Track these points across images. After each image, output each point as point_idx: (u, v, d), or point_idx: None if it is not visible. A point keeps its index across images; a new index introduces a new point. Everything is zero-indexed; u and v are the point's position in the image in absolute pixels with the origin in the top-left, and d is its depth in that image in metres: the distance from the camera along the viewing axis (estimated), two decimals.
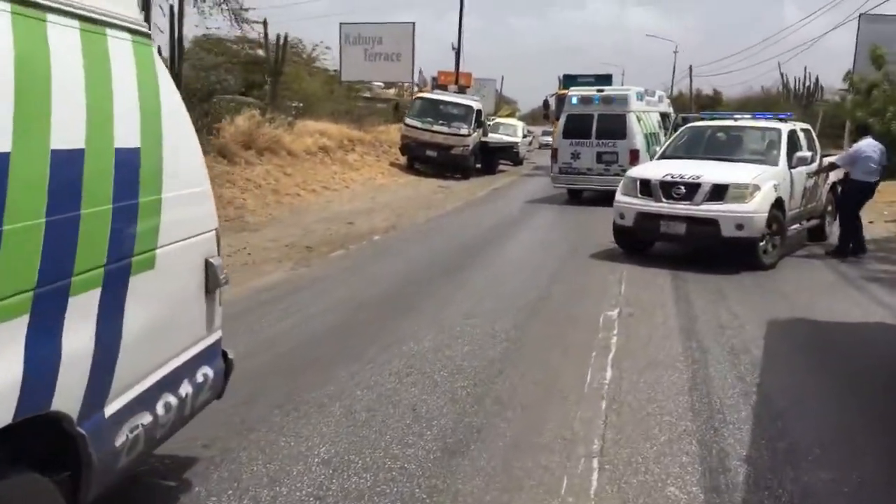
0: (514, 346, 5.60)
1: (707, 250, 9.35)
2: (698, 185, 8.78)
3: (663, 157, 10.39)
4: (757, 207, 8.57)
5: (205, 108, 13.97)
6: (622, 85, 17.96)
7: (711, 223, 8.64)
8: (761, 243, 8.74)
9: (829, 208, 11.29)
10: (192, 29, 19.44)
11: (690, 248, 9.62)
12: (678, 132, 11.22)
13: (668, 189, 8.98)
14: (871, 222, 13.39)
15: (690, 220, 8.76)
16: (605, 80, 27.99)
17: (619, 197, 9.55)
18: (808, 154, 9.54)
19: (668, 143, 11.01)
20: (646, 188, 9.20)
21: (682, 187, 8.87)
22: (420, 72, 42.35)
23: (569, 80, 27.56)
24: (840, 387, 4.92)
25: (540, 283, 7.85)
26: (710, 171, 8.99)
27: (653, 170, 9.52)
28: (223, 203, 11.39)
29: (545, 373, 5.03)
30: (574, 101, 16.29)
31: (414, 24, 31.99)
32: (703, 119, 11.35)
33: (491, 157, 24.46)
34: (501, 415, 4.27)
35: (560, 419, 4.22)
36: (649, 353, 5.48)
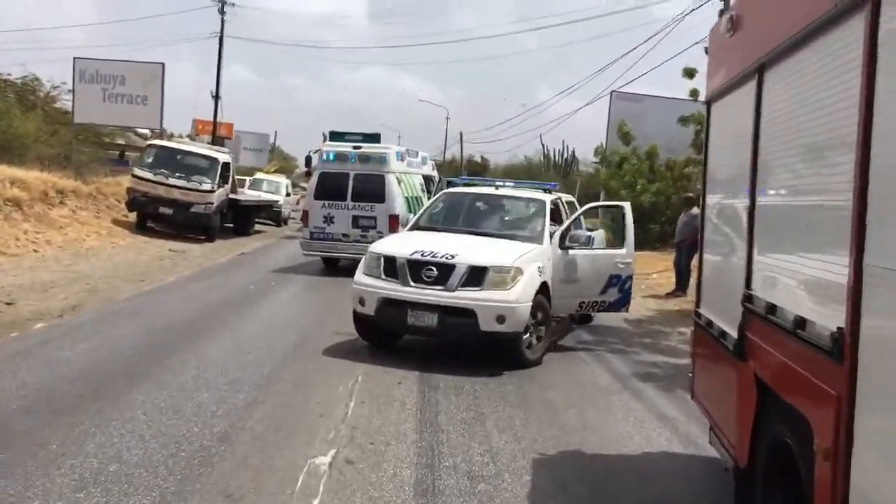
0: None
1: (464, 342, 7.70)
2: (453, 267, 7.12)
3: (416, 227, 8.69)
4: (520, 295, 7.07)
5: None
6: (398, 146, 16.55)
7: (468, 314, 6.98)
8: (525, 336, 7.25)
9: None
10: None
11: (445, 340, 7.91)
12: (433, 198, 9.69)
13: (417, 270, 7.22)
14: None
15: (444, 309, 7.04)
16: (374, 138, 26.72)
17: (358, 277, 7.62)
18: (585, 234, 8.36)
19: (422, 211, 9.37)
20: (391, 268, 7.36)
21: (434, 268, 7.16)
22: (194, 122, 38.50)
23: (335, 137, 25.84)
24: None
25: (236, 405, 5.55)
26: (466, 250, 7.40)
27: (400, 245, 7.73)
28: None
29: None
30: (328, 157, 14.39)
31: (163, 65, 28.68)
32: (463, 184, 9.90)
33: (245, 217, 21.77)
34: None
35: None
36: None
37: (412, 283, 7.17)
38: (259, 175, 30.69)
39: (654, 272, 16.27)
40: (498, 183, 9.42)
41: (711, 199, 4.84)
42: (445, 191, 9.58)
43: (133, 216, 18.48)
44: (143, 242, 16.72)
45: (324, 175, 14.29)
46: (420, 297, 7.08)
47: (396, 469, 4.49)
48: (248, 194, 24.97)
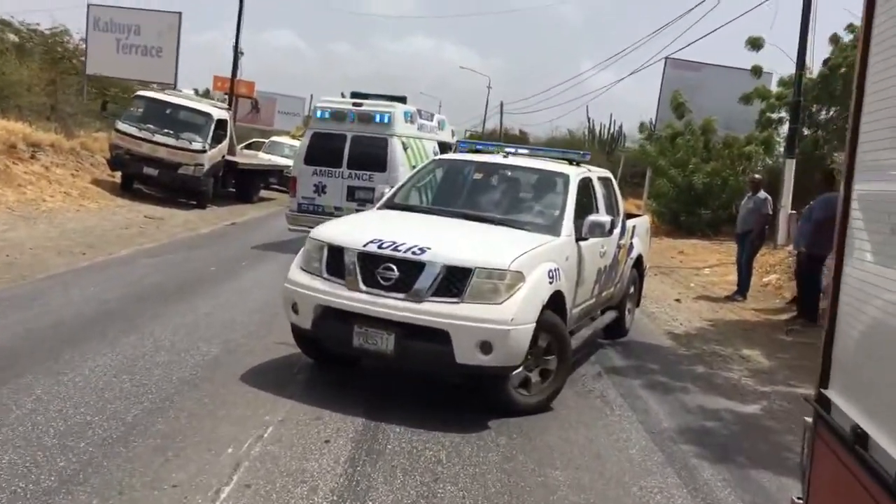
0: None
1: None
2: (421, 266, 4.85)
3: (390, 205, 6.40)
4: (517, 312, 4.77)
5: None
6: (408, 106, 14.15)
7: (439, 337, 4.72)
8: (517, 370, 4.96)
9: (632, 290, 7.95)
10: None
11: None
12: (421, 166, 7.35)
13: (372, 267, 4.96)
14: (677, 300, 10.50)
15: (404, 328, 4.79)
16: (400, 101, 24.42)
17: (292, 273, 5.41)
18: (606, 220, 5.97)
19: (400, 183, 7.06)
20: (337, 262, 5.12)
21: (395, 267, 4.89)
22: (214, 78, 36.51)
23: (357, 98, 23.70)
24: None
25: (35, 492, 3.42)
26: (445, 241, 5.12)
27: (354, 230, 5.46)
28: None
29: None
30: (322, 115, 12.13)
31: (180, 14, 26.66)
32: (467, 149, 7.51)
33: (248, 182, 19.73)
34: None
35: None
36: None
37: (363, 287, 4.92)
38: (276, 138, 28.56)
39: (705, 266, 13.77)
40: (508, 150, 7.02)
41: (875, 168, 2.43)
42: (436, 158, 7.28)
43: (118, 176, 16.58)
44: (119, 206, 14.77)
45: (316, 136, 12.03)
46: (371, 309, 4.84)
47: None
48: (260, 157, 22.97)
